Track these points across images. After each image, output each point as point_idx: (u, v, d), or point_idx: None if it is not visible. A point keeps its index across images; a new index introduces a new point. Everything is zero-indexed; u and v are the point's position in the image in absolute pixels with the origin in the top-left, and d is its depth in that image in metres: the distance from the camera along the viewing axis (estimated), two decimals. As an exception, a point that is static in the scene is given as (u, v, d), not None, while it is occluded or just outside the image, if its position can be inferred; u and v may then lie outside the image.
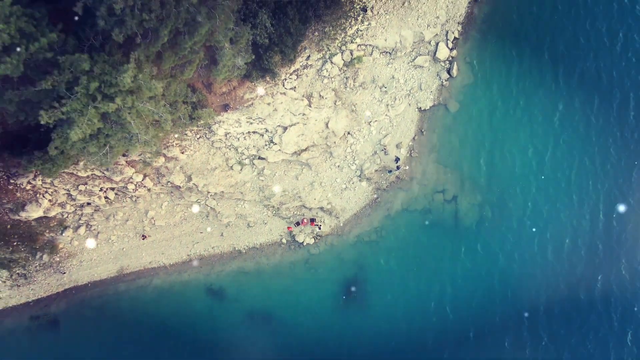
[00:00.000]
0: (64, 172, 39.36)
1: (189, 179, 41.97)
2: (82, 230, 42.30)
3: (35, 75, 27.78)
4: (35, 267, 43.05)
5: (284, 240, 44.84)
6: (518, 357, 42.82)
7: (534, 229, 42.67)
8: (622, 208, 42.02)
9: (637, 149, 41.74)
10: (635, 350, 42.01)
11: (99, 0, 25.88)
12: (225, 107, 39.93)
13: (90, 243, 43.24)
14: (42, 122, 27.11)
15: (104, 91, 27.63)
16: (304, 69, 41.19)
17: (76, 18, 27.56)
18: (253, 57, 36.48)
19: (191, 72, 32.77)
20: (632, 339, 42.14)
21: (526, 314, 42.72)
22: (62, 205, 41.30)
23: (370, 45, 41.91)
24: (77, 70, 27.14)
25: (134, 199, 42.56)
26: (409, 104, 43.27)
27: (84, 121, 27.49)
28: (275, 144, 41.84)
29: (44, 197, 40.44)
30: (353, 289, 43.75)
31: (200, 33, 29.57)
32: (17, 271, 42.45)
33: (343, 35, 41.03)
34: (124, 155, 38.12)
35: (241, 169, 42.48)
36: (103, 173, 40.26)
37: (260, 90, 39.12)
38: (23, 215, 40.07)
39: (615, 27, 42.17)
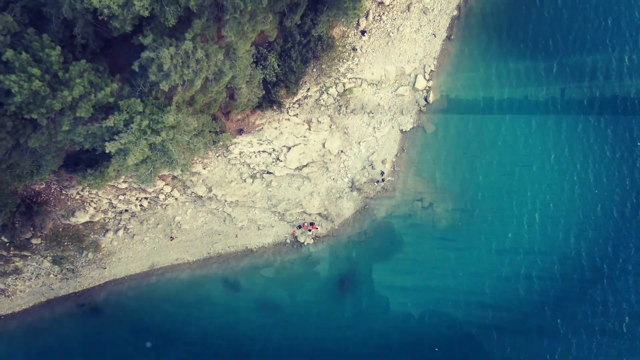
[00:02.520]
0: (107, 184, 47.65)
1: (210, 190, 49.75)
2: (120, 232, 50.46)
3: (99, 115, 35.92)
4: (82, 263, 50.43)
5: (288, 241, 51.88)
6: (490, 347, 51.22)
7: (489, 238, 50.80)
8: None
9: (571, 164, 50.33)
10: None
11: (151, 60, 34.13)
12: (240, 131, 48.20)
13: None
14: (106, 151, 35.20)
15: (152, 127, 35.62)
16: (304, 99, 49.16)
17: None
18: (264, 92, 44.78)
19: (216, 108, 41.08)
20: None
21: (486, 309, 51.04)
22: (104, 212, 49.21)
23: (359, 78, 49.72)
24: (132, 111, 35.11)
25: (163, 206, 50.32)
26: (392, 126, 50.93)
27: (137, 150, 35.63)
28: (281, 161, 49.50)
29: (90, 205, 48.30)
30: (345, 280, 51.50)
31: (224, 80, 37.77)
32: (67, 266, 49.83)
33: (337, 71, 48.89)
34: (157, 171, 46.14)
35: (253, 182, 50.18)
36: (139, 186, 48.35)
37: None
38: (72, 220, 47.86)
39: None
